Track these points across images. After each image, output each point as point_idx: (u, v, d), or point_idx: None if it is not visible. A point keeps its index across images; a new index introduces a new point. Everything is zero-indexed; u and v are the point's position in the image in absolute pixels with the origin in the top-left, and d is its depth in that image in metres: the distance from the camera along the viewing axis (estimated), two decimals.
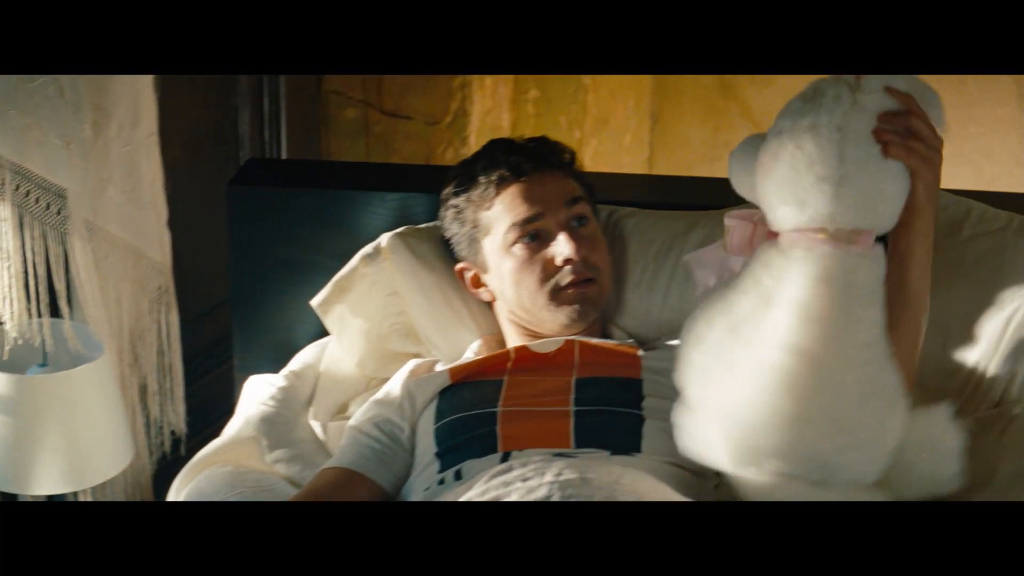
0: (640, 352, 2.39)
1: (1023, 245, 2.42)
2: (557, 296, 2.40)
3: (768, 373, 1.94)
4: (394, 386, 2.43)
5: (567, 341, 2.41)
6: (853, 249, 1.96)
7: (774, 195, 2.00)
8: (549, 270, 2.40)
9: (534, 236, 2.41)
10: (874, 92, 1.97)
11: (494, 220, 2.44)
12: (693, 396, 2.05)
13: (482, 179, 2.45)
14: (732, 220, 2.13)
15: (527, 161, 2.45)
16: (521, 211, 2.41)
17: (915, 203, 2.04)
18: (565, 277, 2.40)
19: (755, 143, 2.05)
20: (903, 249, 2.08)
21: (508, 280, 2.43)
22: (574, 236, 2.40)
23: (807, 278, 1.95)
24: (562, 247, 2.39)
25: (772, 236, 2.04)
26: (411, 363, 2.51)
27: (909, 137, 1.96)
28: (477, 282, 2.52)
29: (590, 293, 2.42)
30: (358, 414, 2.40)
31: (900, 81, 2.00)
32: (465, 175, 2.50)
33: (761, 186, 2.03)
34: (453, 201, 2.50)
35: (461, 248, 2.51)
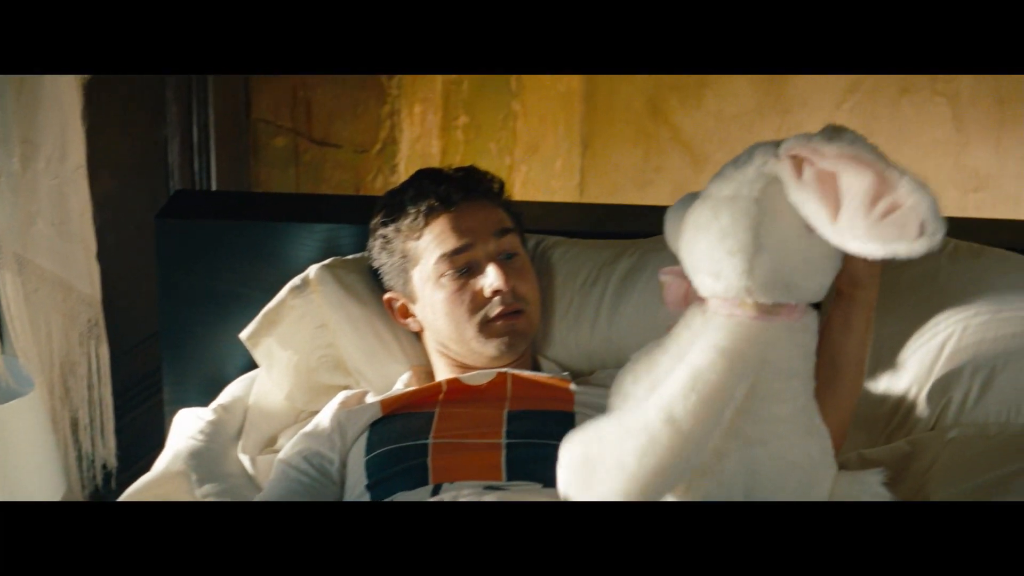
0: (572, 386, 2.38)
1: (957, 270, 2.43)
2: (486, 328, 2.40)
3: (643, 436, 1.84)
4: (324, 418, 2.42)
5: (499, 374, 2.40)
6: (777, 320, 1.91)
7: (691, 262, 1.96)
8: (478, 301, 2.40)
9: (463, 268, 2.40)
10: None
11: (423, 250, 2.43)
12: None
13: (411, 209, 2.45)
14: (667, 276, 2.08)
15: (456, 191, 2.45)
16: (450, 242, 2.40)
17: (854, 275, 2.00)
18: (494, 308, 2.39)
19: (689, 202, 1.98)
20: (840, 319, 2.06)
21: (437, 311, 2.42)
22: (503, 267, 2.40)
23: (711, 346, 1.88)
24: (491, 278, 2.39)
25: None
26: (341, 395, 2.51)
27: None
28: (405, 312, 2.52)
29: (519, 325, 2.42)
30: (287, 447, 2.39)
31: (845, 141, 1.83)
32: (394, 205, 2.49)
33: (682, 251, 1.98)
34: (382, 231, 2.50)
35: (389, 278, 2.51)
